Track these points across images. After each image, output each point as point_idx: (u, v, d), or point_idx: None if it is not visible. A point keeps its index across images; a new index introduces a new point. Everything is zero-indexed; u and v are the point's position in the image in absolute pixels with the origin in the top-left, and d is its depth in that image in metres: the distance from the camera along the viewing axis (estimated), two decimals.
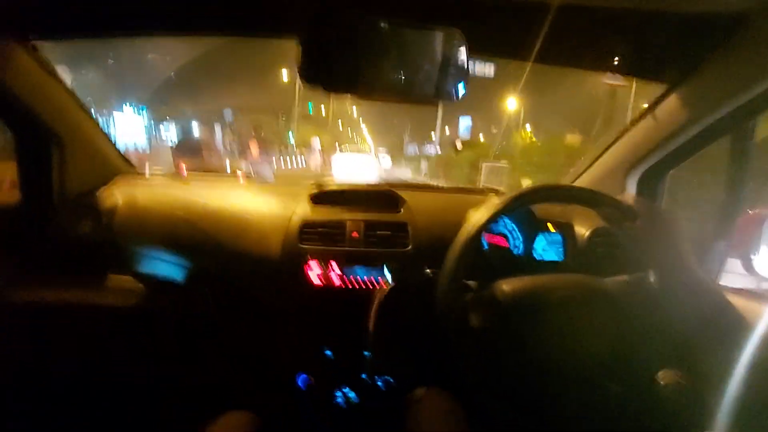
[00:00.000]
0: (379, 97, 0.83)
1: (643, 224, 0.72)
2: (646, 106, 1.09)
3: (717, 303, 0.68)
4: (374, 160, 15.21)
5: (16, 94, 0.93)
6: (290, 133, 28.90)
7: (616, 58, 1.05)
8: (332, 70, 0.74)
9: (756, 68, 0.81)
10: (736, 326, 0.67)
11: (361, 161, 14.12)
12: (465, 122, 26.98)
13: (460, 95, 0.81)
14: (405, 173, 18.28)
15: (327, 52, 0.73)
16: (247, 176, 1.48)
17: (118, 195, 1.11)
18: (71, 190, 1.10)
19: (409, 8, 0.75)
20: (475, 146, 18.15)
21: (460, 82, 0.78)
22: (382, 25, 0.74)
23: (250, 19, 0.99)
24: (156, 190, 1.20)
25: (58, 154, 1.06)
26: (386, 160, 16.69)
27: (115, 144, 1.27)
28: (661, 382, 0.76)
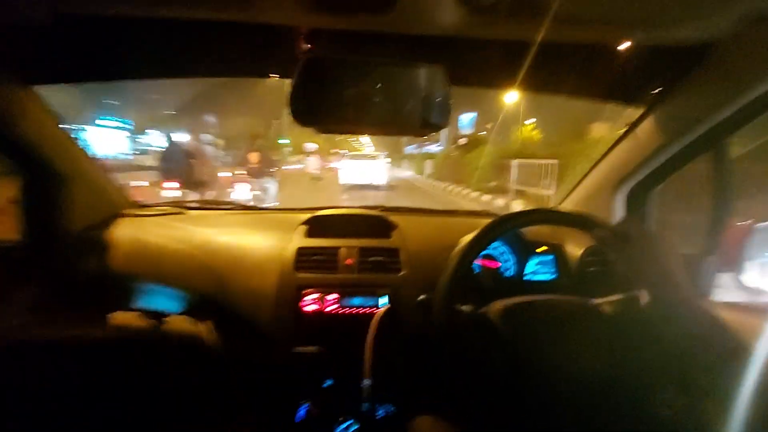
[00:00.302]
0: (368, 132, 0.87)
1: (634, 246, 0.74)
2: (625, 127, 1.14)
3: (708, 321, 0.69)
4: (381, 164, 13.72)
5: (20, 136, 0.96)
6: (281, 139, 28.37)
7: (596, 86, 1.10)
8: (323, 111, 0.78)
9: (726, 91, 0.86)
10: (728, 343, 0.68)
11: (367, 167, 13.15)
12: (467, 118, 25.81)
13: (446, 124, 0.85)
14: (405, 175, 17.96)
15: (317, 93, 0.77)
16: (244, 206, 1.51)
17: (119, 231, 1.14)
18: (74, 228, 1.12)
19: (392, 48, 0.80)
20: (485, 142, 16.03)
21: (443, 113, 0.82)
22: (369, 64, 0.79)
23: (243, 63, 1.04)
24: (155, 224, 1.22)
25: (61, 193, 1.09)
26: (383, 165, 14.19)
27: (114, 182, 1.31)
28: (663, 407, 0.77)
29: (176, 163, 5.28)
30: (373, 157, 14.34)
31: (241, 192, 6.50)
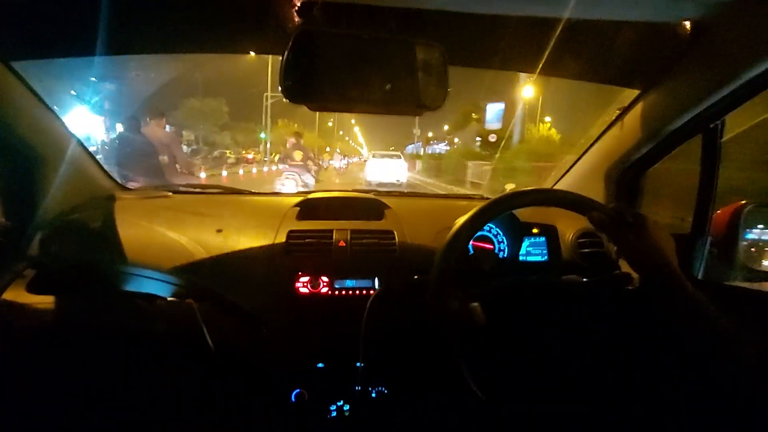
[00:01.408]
0: (362, 110, 0.85)
1: (628, 228, 0.74)
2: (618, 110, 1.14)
3: (698, 303, 0.70)
4: (402, 163, 15.18)
5: None
6: (261, 133, 27.58)
7: (590, 67, 1.09)
8: (315, 87, 0.76)
9: (719, 72, 0.86)
10: (718, 325, 0.69)
11: (390, 165, 14.64)
12: (494, 109, 20.99)
13: (441, 105, 0.83)
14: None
15: (310, 69, 0.75)
16: (232, 189, 1.48)
17: (102, 213, 1.10)
18: (55, 210, 1.08)
19: (389, 23, 0.77)
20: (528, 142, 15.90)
21: (439, 93, 0.81)
22: (364, 40, 0.77)
23: (233, 38, 1.01)
24: (142, 207, 1.19)
25: (42, 173, 1.05)
26: (403, 164, 15.35)
27: (99, 163, 1.26)
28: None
29: (139, 159, 3.77)
30: (394, 157, 15.62)
31: (290, 187, 6.97)
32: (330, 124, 45.69)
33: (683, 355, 0.76)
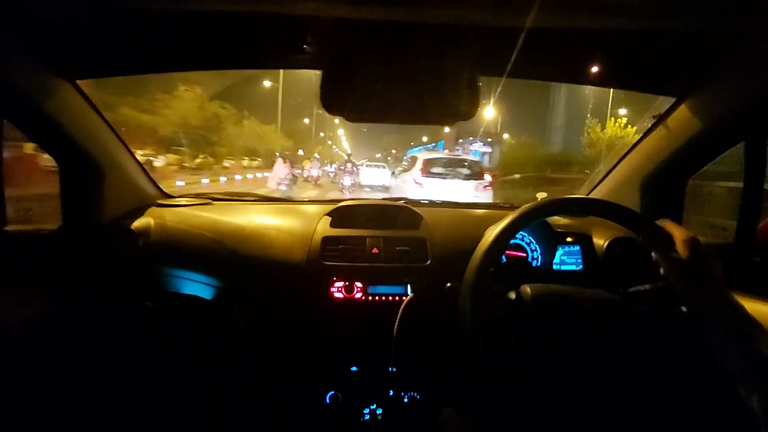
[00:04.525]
0: (396, 120, 0.88)
1: (679, 254, 0.71)
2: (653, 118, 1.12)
3: (743, 322, 0.66)
4: (386, 170, 17.54)
5: (61, 127, 1.01)
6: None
7: (626, 75, 1.08)
8: (352, 99, 0.80)
9: (761, 78, 0.84)
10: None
11: (378, 172, 17.41)
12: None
13: (474, 114, 0.85)
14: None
15: (346, 82, 0.79)
16: (268, 198, 1.54)
17: (150, 219, 1.18)
18: (109, 216, 1.17)
19: (422, 37, 0.80)
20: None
21: (471, 103, 0.83)
22: (397, 54, 0.80)
23: (276, 55, 1.06)
24: (185, 213, 1.26)
25: (98, 182, 1.14)
26: (387, 171, 17.00)
27: (147, 172, 1.35)
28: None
29: None
30: (380, 167, 18.72)
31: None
32: (307, 121, 38.79)
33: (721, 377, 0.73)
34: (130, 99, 14.51)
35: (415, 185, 7.90)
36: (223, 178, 15.67)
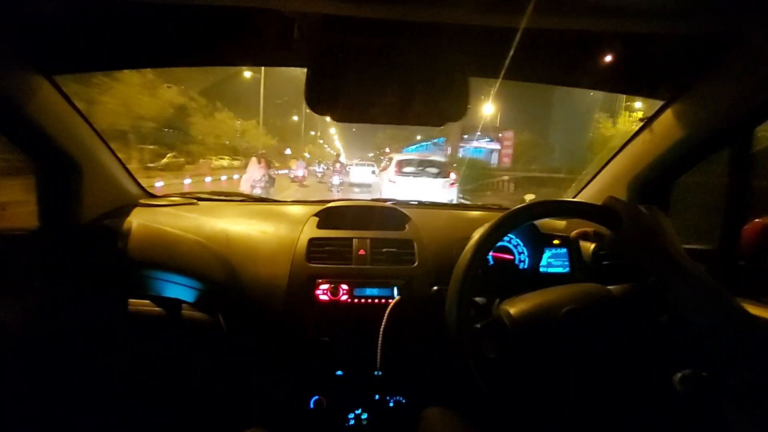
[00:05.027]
0: (384, 121, 0.87)
1: (628, 228, 0.71)
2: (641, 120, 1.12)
3: (720, 300, 0.66)
4: (373, 169, 17.95)
5: (38, 124, 0.97)
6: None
7: (615, 77, 1.08)
8: (339, 99, 0.78)
9: (748, 84, 0.84)
10: (745, 323, 0.65)
11: (366, 170, 17.78)
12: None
13: (462, 116, 0.84)
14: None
15: (333, 81, 0.77)
16: (254, 198, 1.51)
17: (132, 220, 1.14)
18: (88, 216, 1.13)
19: (410, 37, 0.79)
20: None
21: (460, 104, 0.82)
22: (386, 53, 0.78)
23: (261, 51, 1.04)
24: (168, 214, 1.23)
25: (77, 181, 1.10)
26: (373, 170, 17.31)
27: (129, 170, 1.31)
28: (678, 385, 0.76)
29: None
30: (368, 165, 19.11)
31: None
32: (296, 118, 36.04)
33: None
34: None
35: (389, 182, 8.93)
36: (187, 180, 14.13)
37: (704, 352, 0.64)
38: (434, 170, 9.01)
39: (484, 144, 21.79)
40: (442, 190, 8.64)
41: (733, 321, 0.63)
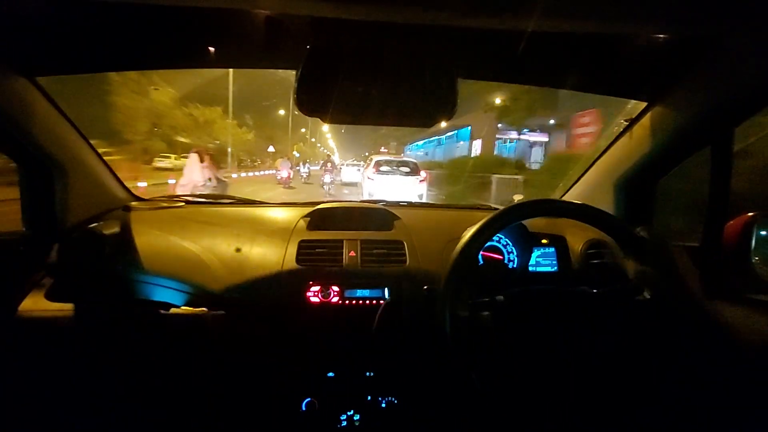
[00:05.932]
0: (373, 122, 0.87)
1: (651, 256, 0.74)
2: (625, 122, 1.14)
3: (712, 317, 0.69)
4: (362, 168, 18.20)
5: (21, 126, 0.96)
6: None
7: (598, 79, 1.10)
8: (328, 100, 0.78)
9: (729, 84, 0.86)
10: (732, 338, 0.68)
11: (355, 171, 18.01)
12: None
13: (450, 117, 0.85)
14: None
15: (323, 83, 0.77)
16: (244, 200, 1.50)
17: (118, 223, 1.13)
18: (73, 220, 1.11)
19: (399, 39, 0.79)
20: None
21: (449, 105, 0.83)
22: (375, 54, 0.79)
23: (249, 53, 1.03)
24: (155, 217, 1.22)
25: (61, 185, 1.08)
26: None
27: (115, 174, 1.30)
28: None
29: None
30: (356, 165, 19.48)
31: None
32: (282, 112, 30.67)
33: (691, 366, 0.75)
34: None
35: (368, 179, 10.36)
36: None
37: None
38: (406, 169, 10.48)
39: (527, 136, 17.20)
40: (413, 186, 10.07)
41: None
